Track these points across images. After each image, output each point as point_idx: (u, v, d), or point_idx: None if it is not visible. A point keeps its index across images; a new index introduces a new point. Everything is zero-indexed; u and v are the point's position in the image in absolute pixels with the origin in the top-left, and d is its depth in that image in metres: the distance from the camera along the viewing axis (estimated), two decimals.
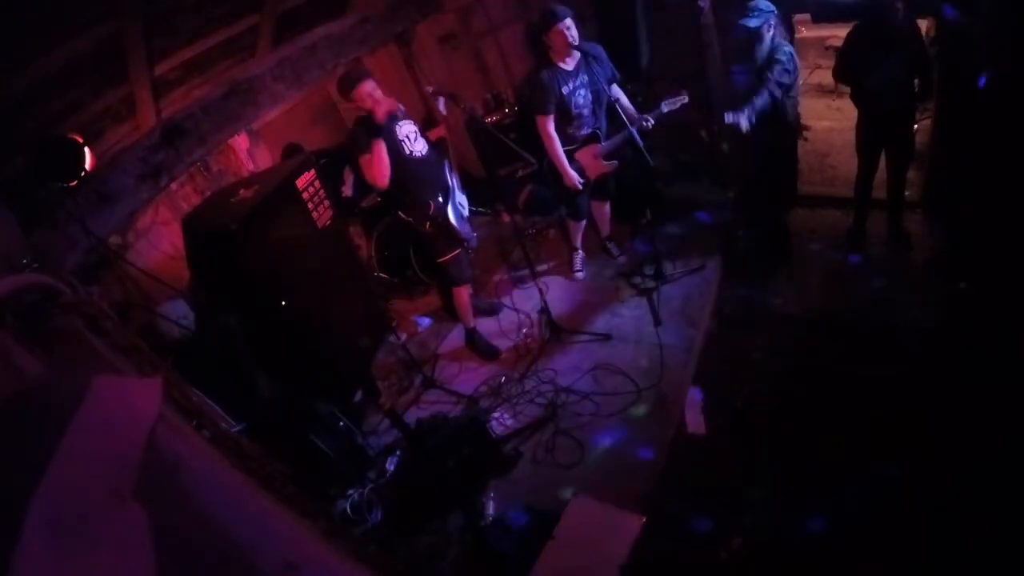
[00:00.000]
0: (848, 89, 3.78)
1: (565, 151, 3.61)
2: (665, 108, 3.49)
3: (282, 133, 4.60)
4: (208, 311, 3.06)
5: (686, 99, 3.52)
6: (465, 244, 3.48)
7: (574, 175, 3.62)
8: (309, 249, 2.50)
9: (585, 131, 3.67)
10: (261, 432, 2.44)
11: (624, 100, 3.62)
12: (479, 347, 3.81)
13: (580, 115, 3.61)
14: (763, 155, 3.94)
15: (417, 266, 4.26)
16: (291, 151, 4.25)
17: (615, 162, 3.79)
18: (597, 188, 3.89)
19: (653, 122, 3.51)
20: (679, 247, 4.20)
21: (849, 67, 3.59)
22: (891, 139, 3.64)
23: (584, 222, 4.08)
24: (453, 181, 3.44)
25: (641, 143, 3.30)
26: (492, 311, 4.08)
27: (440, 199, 3.30)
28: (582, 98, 3.56)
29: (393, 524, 2.79)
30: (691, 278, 3.90)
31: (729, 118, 3.47)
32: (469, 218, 3.58)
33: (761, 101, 3.47)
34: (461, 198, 3.48)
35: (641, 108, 3.62)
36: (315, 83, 3.88)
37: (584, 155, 3.68)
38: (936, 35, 3.77)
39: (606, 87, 3.52)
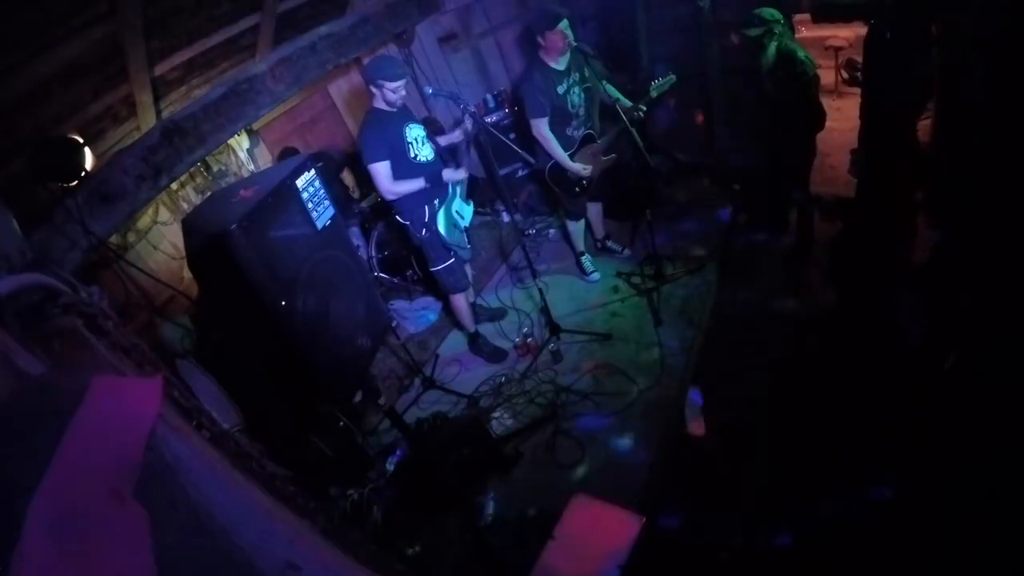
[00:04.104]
0: (849, 90, 3.78)
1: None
2: (654, 92, 3.49)
3: (282, 133, 4.60)
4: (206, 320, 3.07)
5: (674, 79, 3.52)
6: (456, 254, 3.44)
7: (577, 165, 3.61)
8: (309, 249, 2.49)
9: (581, 131, 3.67)
10: (261, 432, 2.44)
11: (621, 97, 3.62)
12: (484, 351, 3.80)
13: (576, 115, 3.60)
14: (776, 156, 3.94)
15: (417, 267, 4.26)
16: (287, 155, 4.25)
17: (613, 155, 3.80)
18: (590, 188, 3.89)
19: (645, 109, 3.51)
20: (679, 247, 4.20)
21: (867, 70, 3.60)
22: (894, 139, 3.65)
23: (583, 222, 4.08)
24: (456, 189, 3.40)
25: (641, 143, 3.30)
26: (495, 317, 4.07)
27: (436, 205, 3.28)
28: (577, 97, 3.56)
29: (393, 524, 2.79)
30: (691, 278, 3.91)
31: None
32: (467, 229, 3.53)
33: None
34: (461, 207, 3.44)
35: (632, 99, 3.62)
36: (315, 83, 3.88)
37: (582, 156, 3.68)
38: (936, 36, 3.78)
39: (600, 84, 3.52)
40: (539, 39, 3.38)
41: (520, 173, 4.94)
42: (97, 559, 0.63)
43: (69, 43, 2.20)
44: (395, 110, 3.06)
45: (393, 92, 2.97)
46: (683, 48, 4.70)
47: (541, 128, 3.50)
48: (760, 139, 4.05)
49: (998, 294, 3.06)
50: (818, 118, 3.65)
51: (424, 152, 3.20)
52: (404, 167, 3.09)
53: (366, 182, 4.64)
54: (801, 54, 3.43)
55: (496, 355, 3.76)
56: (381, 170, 3.03)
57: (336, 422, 2.91)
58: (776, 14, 3.46)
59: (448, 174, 3.21)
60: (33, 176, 2.06)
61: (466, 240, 3.52)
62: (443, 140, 3.49)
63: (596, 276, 4.18)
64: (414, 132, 3.17)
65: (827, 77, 5.77)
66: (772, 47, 3.48)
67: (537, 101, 3.43)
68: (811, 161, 3.86)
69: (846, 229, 4.10)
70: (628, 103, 3.50)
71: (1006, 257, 3.14)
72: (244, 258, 2.16)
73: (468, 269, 3.73)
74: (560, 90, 3.47)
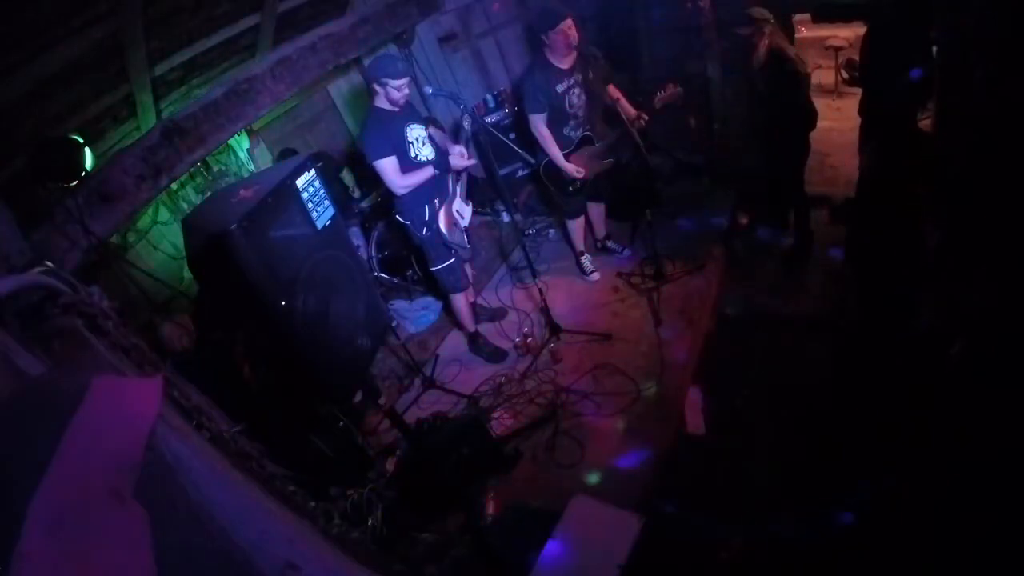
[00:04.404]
0: (849, 90, 3.77)
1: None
2: (658, 104, 3.50)
3: (282, 133, 4.60)
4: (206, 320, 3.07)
5: (680, 90, 3.52)
6: (456, 253, 3.43)
7: (571, 166, 3.62)
8: (309, 249, 2.50)
9: (579, 132, 3.67)
10: (261, 432, 2.44)
11: (624, 100, 3.63)
12: (484, 351, 3.79)
13: (575, 115, 3.60)
14: (771, 155, 3.94)
15: (417, 267, 4.26)
16: (286, 155, 4.26)
17: (610, 160, 3.80)
18: (591, 188, 3.89)
19: (648, 118, 3.51)
20: (679, 247, 4.20)
21: (866, 70, 3.60)
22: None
23: (583, 219, 4.08)
24: (456, 189, 3.39)
25: (640, 143, 3.30)
26: (496, 317, 4.07)
27: (436, 204, 3.27)
28: (576, 97, 3.56)
29: (393, 524, 2.79)
30: (691, 278, 3.91)
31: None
32: (467, 229, 3.52)
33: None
34: (460, 206, 3.42)
35: (638, 107, 3.63)
36: (315, 83, 3.88)
37: (579, 158, 3.67)
38: (936, 36, 3.78)
39: (603, 88, 3.52)
40: (543, 37, 3.40)
41: (520, 173, 4.94)
42: (97, 559, 0.63)
43: (69, 43, 2.20)
44: (397, 109, 3.06)
45: (397, 90, 2.97)
46: (683, 48, 4.70)
47: (537, 123, 3.53)
48: (756, 139, 4.06)
49: (998, 295, 3.06)
50: (810, 117, 3.66)
51: (425, 152, 3.20)
52: (404, 167, 3.09)
53: (366, 182, 4.64)
54: (791, 53, 3.44)
55: (496, 355, 3.75)
56: (388, 166, 3.02)
57: (336, 422, 2.90)
58: (766, 13, 3.46)
59: (456, 159, 3.21)
60: (33, 176, 2.07)
61: (466, 240, 3.52)
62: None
63: (596, 276, 4.18)
64: (415, 132, 3.16)
65: (827, 77, 5.78)
66: (762, 46, 3.48)
67: (535, 97, 3.46)
68: (804, 160, 3.87)
69: (848, 229, 4.10)
70: (632, 111, 3.52)
71: (1006, 257, 3.14)
72: (244, 258, 2.17)
73: (468, 269, 3.73)
74: (559, 88, 3.47)
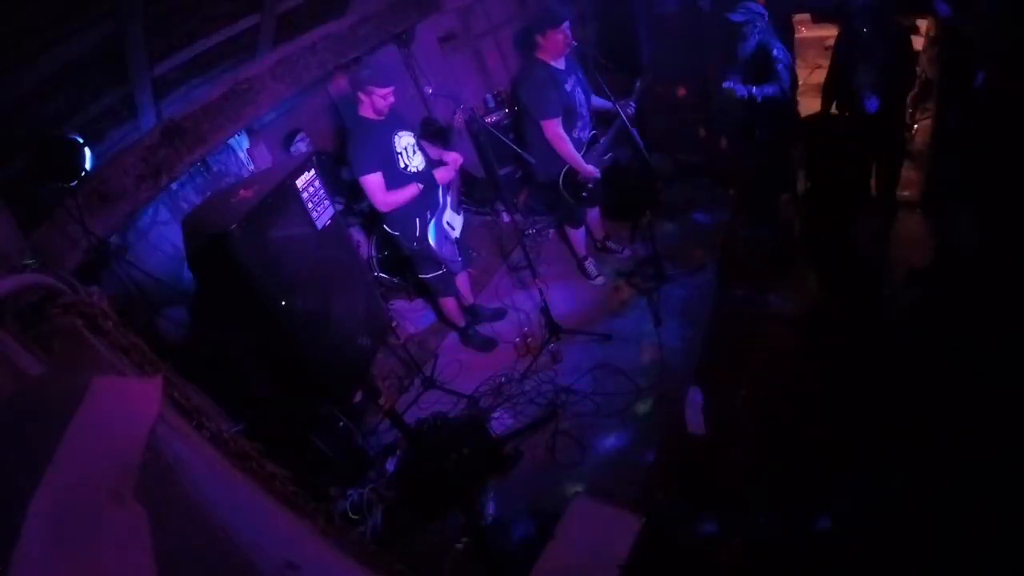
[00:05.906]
0: None
1: None
2: (639, 83, 3.48)
3: (282, 133, 4.59)
4: (206, 320, 3.07)
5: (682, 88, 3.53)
6: (446, 267, 3.40)
7: (590, 167, 3.50)
8: (309, 249, 2.50)
9: (588, 133, 3.63)
10: (261, 432, 2.44)
11: (600, 99, 3.59)
12: (474, 341, 3.81)
13: (581, 114, 3.56)
14: (762, 155, 3.95)
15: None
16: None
17: (611, 155, 3.78)
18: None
19: (635, 105, 3.49)
20: (679, 247, 4.20)
21: (832, 74, 3.64)
22: (875, 142, 3.67)
23: (584, 228, 4.06)
24: (446, 199, 3.35)
25: (641, 143, 3.29)
26: (495, 318, 4.07)
27: (427, 216, 3.24)
28: (580, 95, 3.53)
29: (393, 524, 2.79)
30: (691, 278, 3.91)
31: (728, 84, 3.49)
32: (458, 240, 3.49)
33: (769, 90, 3.47)
34: (451, 217, 3.38)
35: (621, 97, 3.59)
36: (315, 83, 3.87)
37: (590, 158, 3.65)
38: (936, 35, 3.78)
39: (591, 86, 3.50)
40: (539, 38, 3.32)
41: (520, 173, 4.93)
42: (97, 559, 0.63)
43: (69, 43, 2.20)
44: (382, 118, 3.00)
45: (383, 99, 2.91)
46: (683, 47, 4.70)
47: (556, 128, 3.32)
48: (745, 138, 4.07)
49: (998, 293, 3.06)
50: (792, 120, 3.68)
51: (415, 162, 3.15)
52: (394, 178, 3.04)
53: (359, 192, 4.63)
54: (775, 52, 3.46)
55: (486, 345, 3.77)
56: (373, 182, 2.97)
57: (336, 422, 2.91)
58: (761, 8, 3.47)
59: (444, 173, 3.18)
60: (33, 176, 2.06)
61: (457, 253, 3.49)
62: (434, 153, 3.42)
63: (601, 280, 4.16)
64: (404, 141, 3.11)
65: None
66: (753, 40, 3.49)
67: (549, 100, 3.29)
68: (788, 160, 3.89)
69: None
70: (612, 105, 3.49)
71: (1006, 257, 3.14)
72: (244, 258, 2.17)
73: (464, 276, 3.73)
74: (567, 87, 3.41)
